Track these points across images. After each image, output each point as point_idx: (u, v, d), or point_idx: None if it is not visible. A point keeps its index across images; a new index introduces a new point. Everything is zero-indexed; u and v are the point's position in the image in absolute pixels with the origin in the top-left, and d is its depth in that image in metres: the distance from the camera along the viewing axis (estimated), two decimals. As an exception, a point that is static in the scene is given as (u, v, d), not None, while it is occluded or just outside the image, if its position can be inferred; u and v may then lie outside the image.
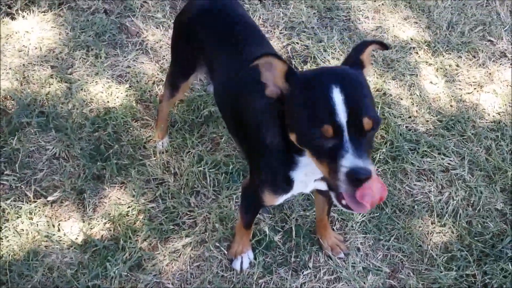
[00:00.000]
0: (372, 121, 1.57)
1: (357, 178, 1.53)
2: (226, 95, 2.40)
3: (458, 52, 3.89)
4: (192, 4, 2.61)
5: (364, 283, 2.66)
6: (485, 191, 3.08)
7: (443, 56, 3.85)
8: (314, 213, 2.84)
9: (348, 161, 1.53)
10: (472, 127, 3.41)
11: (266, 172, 2.10)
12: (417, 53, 3.86)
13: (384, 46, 1.85)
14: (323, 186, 2.22)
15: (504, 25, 4.14)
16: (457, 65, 3.81)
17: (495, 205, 3.02)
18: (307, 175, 1.97)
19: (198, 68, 2.61)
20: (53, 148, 3.01)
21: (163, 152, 3.05)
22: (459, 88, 3.67)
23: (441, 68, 3.77)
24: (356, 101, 1.57)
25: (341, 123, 1.54)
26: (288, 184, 2.03)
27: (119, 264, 2.58)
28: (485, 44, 4.00)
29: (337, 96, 1.54)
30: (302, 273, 2.68)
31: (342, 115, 1.54)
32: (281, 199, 2.17)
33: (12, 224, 2.69)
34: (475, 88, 3.68)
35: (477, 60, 3.86)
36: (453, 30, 4.05)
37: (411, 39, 3.95)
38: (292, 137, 1.71)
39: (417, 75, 3.71)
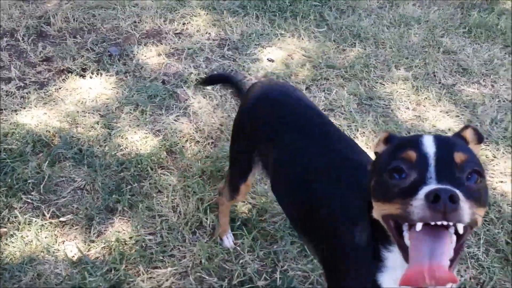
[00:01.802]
0: (466, 156, 1.28)
1: (436, 195, 1.16)
2: (291, 188, 2.05)
3: (497, 144, 3.70)
4: (249, 98, 2.38)
5: None
6: (499, 273, 2.75)
7: (481, 147, 3.66)
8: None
9: (426, 188, 1.20)
10: (497, 212, 3.13)
11: (348, 278, 1.68)
12: (453, 141, 3.72)
13: (479, 135, 1.51)
14: None
15: (555, 126, 3.90)
16: (494, 156, 3.60)
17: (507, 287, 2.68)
18: (397, 283, 1.44)
19: (254, 166, 2.32)
20: (80, 180, 3.21)
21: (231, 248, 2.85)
22: (491, 176, 3.43)
23: (476, 157, 3.58)
24: (448, 145, 1.33)
25: (427, 152, 1.28)
26: None
27: (98, 278, 2.58)
28: (529, 140, 3.77)
29: (428, 141, 1.32)
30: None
31: (429, 146, 1.30)
32: None
33: (21, 235, 2.83)
34: (511, 180, 3.43)
35: (516, 153, 3.63)
36: (496, 126, 3.88)
37: (449, 129, 3.83)
38: (372, 192, 1.40)
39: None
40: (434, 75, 4.44)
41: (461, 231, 1.20)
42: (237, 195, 2.54)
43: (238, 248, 2.85)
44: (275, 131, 2.13)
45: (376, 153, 1.54)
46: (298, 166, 2.00)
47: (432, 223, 1.18)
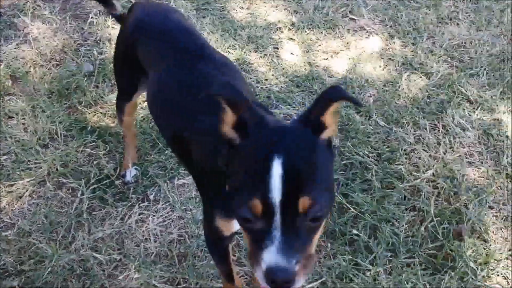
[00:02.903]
0: (310, 201, 1.24)
1: (272, 279, 1.23)
2: (162, 106, 2.09)
3: (319, 28, 4.04)
4: (128, 22, 2.36)
5: None
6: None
7: (306, 33, 3.99)
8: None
9: (269, 256, 1.23)
10: (321, 84, 3.51)
11: (214, 192, 1.76)
12: (282, 32, 4.01)
13: (355, 103, 1.40)
14: None
15: (367, 5, 4.30)
16: (318, 39, 3.95)
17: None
18: None
19: (140, 86, 2.36)
20: None
21: (130, 182, 2.86)
22: (315, 56, 3.79)
23: (302, 42, 3.91)
24: (297, 176, 1.25)
25: (272, 201, 1.22)
26: None
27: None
28: (346, 21, 4.15)
29: (277, 169, 1.23)
30: None
31: (276, 192, 1.22)
32: (236, 223, 1.73)
33: None
34: (331, 56, 3.81)
35: (335, 33, 4.01)
36: (318, 12, 4.21)
37: (279, 21, 4.11)
38: (228, 184, 1.41)
39: (278, 48, 3.84)
40: (264, -25, 4.65)
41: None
42: (123, 116, 2.61)
43: (93, 152, 2.98)
44: (154, 53, 2.15)
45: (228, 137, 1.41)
46: (170, 88, 2.01)
47: None
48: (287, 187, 1.22)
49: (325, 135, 1.37)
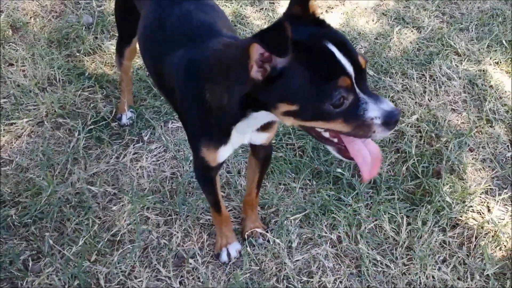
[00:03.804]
0: (363, 58, 1.46)
1: (395, 120, 1.44)
2: (148, 44, 2.13)
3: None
4: None
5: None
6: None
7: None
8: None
9: (375, 111, 1.42)
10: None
11: (202, 125, 1.81)
12: (277, -14, 4.03)
13: None
14: (259, 139, 1.91)
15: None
16: (313, -5, 3.96)
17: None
18: (249, 126, 1.73)
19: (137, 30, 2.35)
20: None
21: (126, 124, 2.92)
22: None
23: (297, -2, 3.92)
24: (347, 48, 1.43)
25: (349, 73, 1.40)
26: (225, 134, 1.78)
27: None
28: (342, -21, 4.16)
29: (335, 50, 1.40)
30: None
31: (347, 64, 1.40)
32: (222, 154, 1.86)
33: None
34: (326, 10, 3.83)
35: (332, -10, 4.03)
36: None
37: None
38: (287, 107, 1.46)
39: (274, 2, 3.86)
40: None
41: None
42: (124, 60, 2.69)
43: (90, 95, 3.04)
44: None
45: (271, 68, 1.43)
46: (155, 25, 2.05)
47: None
48: (347, 58, 1.40)
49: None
